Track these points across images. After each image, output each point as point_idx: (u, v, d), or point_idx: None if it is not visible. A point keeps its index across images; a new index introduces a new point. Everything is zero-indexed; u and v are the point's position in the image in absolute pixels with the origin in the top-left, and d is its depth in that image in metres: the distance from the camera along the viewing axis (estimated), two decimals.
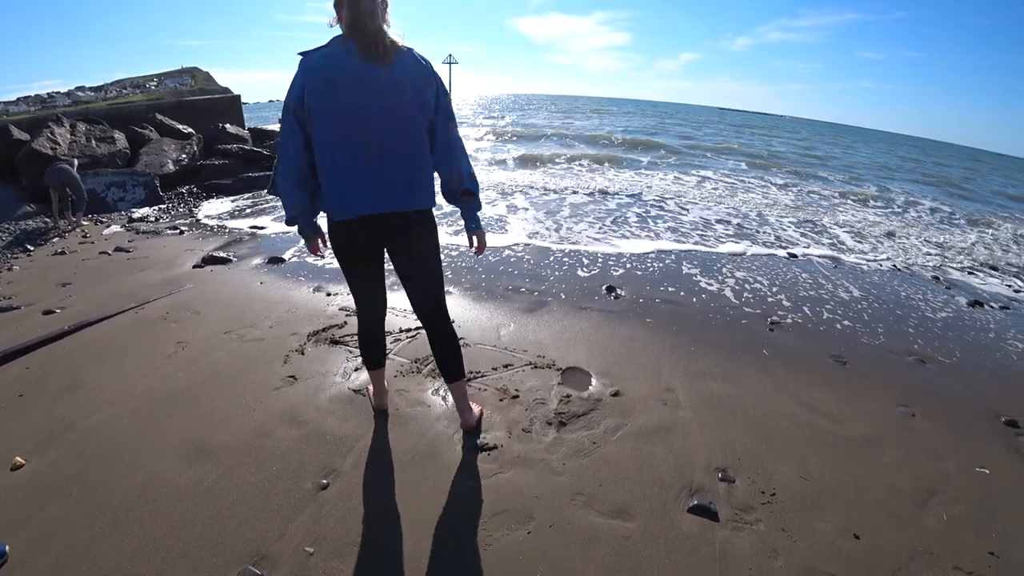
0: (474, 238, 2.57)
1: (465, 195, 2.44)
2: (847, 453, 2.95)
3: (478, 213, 2.52)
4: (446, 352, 2.66)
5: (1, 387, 3.23)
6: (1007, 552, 2.31)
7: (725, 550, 2.22)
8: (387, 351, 2.84)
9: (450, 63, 43.26)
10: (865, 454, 2.96)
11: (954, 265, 8.03)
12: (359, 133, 2.08)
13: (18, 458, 2.57)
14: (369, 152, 2.10)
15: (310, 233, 2.47)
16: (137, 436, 2.79)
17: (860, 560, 2.22)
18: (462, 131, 2.89)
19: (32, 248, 6.54)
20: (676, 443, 2.90)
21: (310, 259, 6.22)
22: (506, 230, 8.03)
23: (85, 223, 7.87)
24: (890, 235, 9.71)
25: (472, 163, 2.45)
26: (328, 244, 2.46)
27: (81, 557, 2.04)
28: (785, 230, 9.24)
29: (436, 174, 2.35)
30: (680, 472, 2.67)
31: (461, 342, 3.37)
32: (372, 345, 2.77)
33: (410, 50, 2.13)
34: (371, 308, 2.68)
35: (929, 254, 8.59)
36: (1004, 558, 2.28)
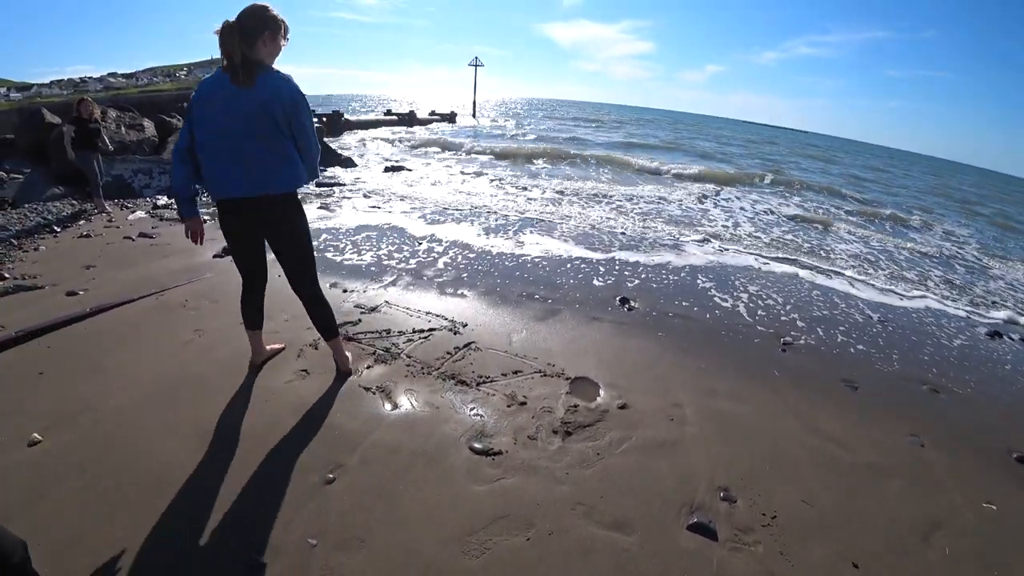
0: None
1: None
2: (852, 480, 2.94)
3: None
4: (318, 315, 3.19)
5: (22, 364, 3.32)
6: None
7: (722, 570, 2.23)
8: (264, 317, 3.31)
9: (476, 65, 43.46)
10: (870, 482, 2.95)
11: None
12: (226, 137, 2.62)
13: (35, 434, 2.64)
14: (233, 151, 2.63)
15: (185, 213, 2.87)
16: (151, 420, 2.86)
17: None
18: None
19: (59, 229, 6.66)
20: (680, 459, 2.92)
21: (328, 254, 6.31)
22: None
23: (109, 207, 7.95)
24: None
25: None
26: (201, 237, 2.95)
27: (92, 535, 2.11)
28: None
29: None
30: (682, 489, 2.68)
31: (472, 346, 3.90)
32: (247, 307, 3.20)
33: (276, 74, 2.62)
34: (247, 276, 3.11)
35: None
36: None
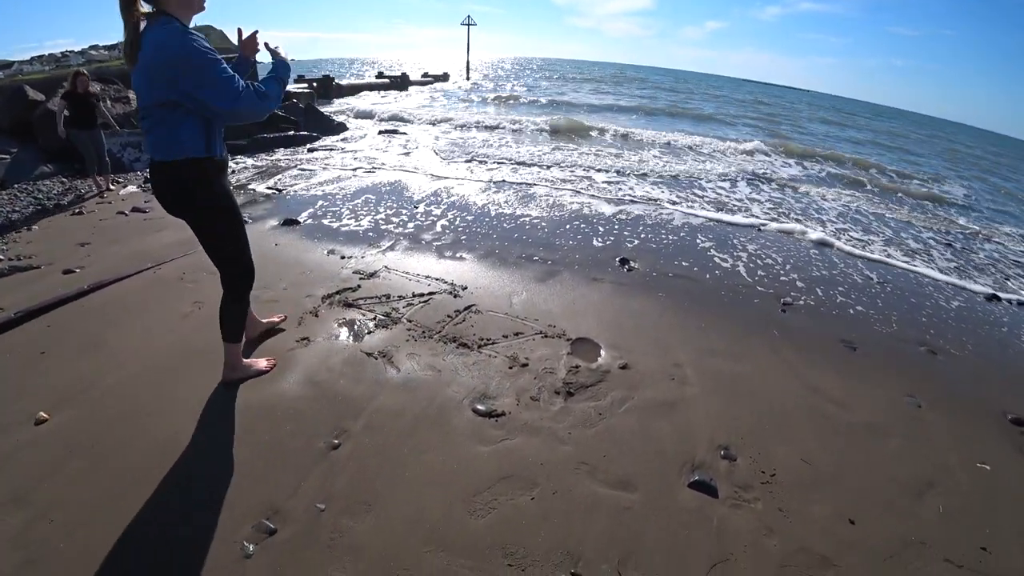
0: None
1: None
2: (850, 439, 2.99)
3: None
4: (224, 313, 2.80)
5: (24, 344, 3.30)
6: (998, 548, 2.35)
7: (722, 526, 2.28)
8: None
9: (468, 24, 42.51)
10: (868, 441, 2.99)
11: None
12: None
13: (41, 413, 2.65)
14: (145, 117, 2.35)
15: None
16: (155, 394, 2.86)
17: (853, 544, 2.27)
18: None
19: (50, 208, 6.56)
20: (681, 419, 2.95)
21: (325, 221, 6.26)
22: None
23: (100, 180, 7.68)
24: None
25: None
26: None
27: (101, 510, 2.14)
28: None
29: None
30: (683, 447, 2.72)
31: (473, 308, 3.92)
32: None
33: (162, 31, 2.20)
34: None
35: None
36: (995, 554, 2.32)
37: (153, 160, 2.42)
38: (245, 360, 3.03)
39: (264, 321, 3.47)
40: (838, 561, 2.17)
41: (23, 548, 1.96)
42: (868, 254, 6.84)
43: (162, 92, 2.24)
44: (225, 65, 2.29)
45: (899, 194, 11.96)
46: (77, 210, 6.47)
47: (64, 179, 8.03)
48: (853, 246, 7.12)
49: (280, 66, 2.60)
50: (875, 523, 2.40)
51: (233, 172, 9.02)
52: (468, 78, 44.22)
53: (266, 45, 2.74)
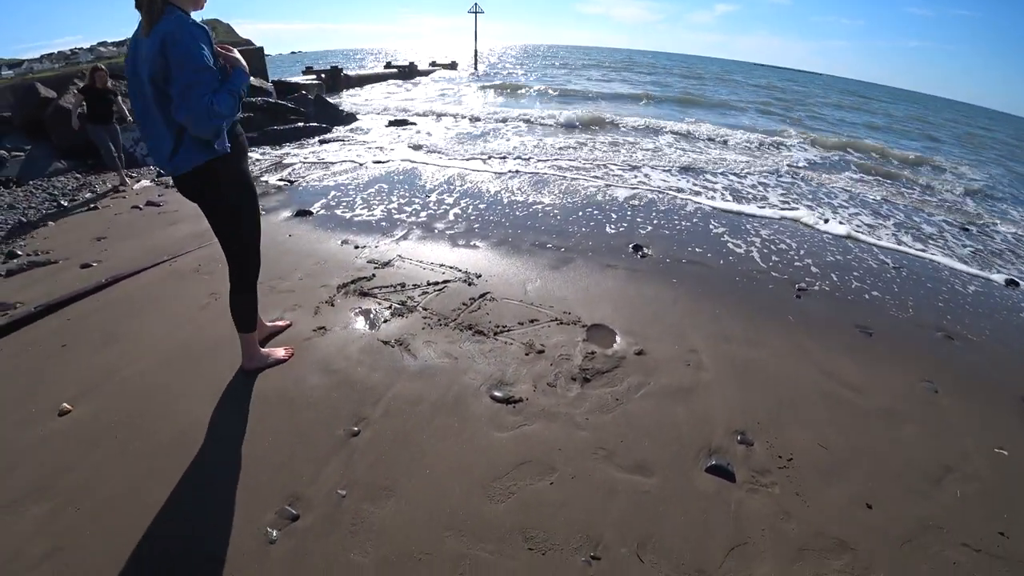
0: None
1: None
2: (866, 424, 2.98)
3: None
4: (235, 302, 2.81)
5: (45, 337, 3.36)
6: (1016, 533, 2.35)
7: (740, 510, 2.29)
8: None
9: (476, 12, 42.08)
10: (884, 426, 2.99)
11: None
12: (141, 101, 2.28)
13: (64, 404, 2.71)
14: (152, 122, 2.28)
15: None
16: (175, 384, 2.91)
17: (871, 528, 2.28)
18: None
19: (66, 204, 6.63)
20: (697, 404, 2.96)
21: (338, 211, 6.29)
22: None
23: (112, 177, 7.74)
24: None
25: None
26: None
27: (125, 498, 2.19)
28: None
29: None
30: (700, 433, 2.73)
31: (488, 296, 3.94)
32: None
33: (167, 20, 2.12)
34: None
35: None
36: (1013, 539, 2.32)
37: (175, 176, 2.40)
38: (263, 350, 3.07)
39: (269, 325, 3.39)
40: (855, 545, 2.18)
41: (50, 536, 2.01)
42: (881, 241, 6.78)
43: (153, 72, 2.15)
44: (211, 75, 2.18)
45: (918, 181, 11.70)
46: (92, 205, 6.53)
47: (78, 175, 8.09)
48: (867, 233, 7.06)
49: (235, 75, 2.34)
50: (892, 507, 2.41)
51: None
52: (476, 67, 43.83)
53: (220, 47, 2.37)
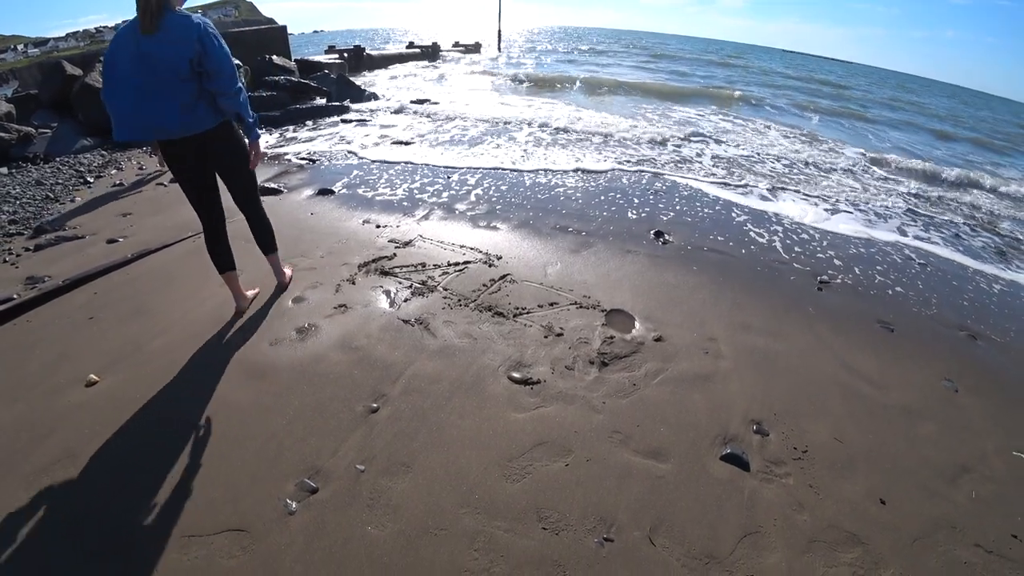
0: (251, 149, 3.11)
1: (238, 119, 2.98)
2: (884, 420, 2.97)
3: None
4: (259, 232, 3.45)
5: (72, 310, 3.45)
6: None
7: (753, 499, 2.31)
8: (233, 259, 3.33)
9: None
10: (902, 423, 2.98)
11: None
12: (152, 80, 2.60)
13: (92, 375, 2.79)
14: (161, 94, 2.63)
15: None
16: (198, 358, 2.98)
17: (883, 524, 2.29)
18: None
19: (92, 180, 6.71)
20: (714, 392, 2.97)
21: (360, 191, 6.32)
22: None
23: (138, 154, 7.75)
24: None
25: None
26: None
27: (149, 468, 2.26)
28: None
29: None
30: (716, 421, 2.75)
31: (508, 278, 3.97)
32: (213, 248, 3.22)
33: (181, 16, 2.59)
34: (205, 217, 3.13)
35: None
36: None
37: (186, 136, 2.76)
38: (286, 270, 3.78)
39: (250, 294, 3.57)
40: (867, 540, 2.20)
41: (79, 502, 2.10)
42: (906, 238, 6.67)
43: (188, 59, 2.59)
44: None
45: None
46: (118, 182, 6.61)
47: (104, 152, 8.17)
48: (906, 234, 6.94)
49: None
50: (906, 504, 2.41)
51: (268, 144, 9.09)
52: (500, 48, 43.11)
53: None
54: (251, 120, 2.94)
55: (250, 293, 3.57)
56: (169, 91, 2.61)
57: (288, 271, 3.84)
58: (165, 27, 2.54)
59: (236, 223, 3.52)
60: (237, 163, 3.06)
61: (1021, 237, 7.33)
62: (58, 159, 7.63)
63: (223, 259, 3.24)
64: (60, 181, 6.58)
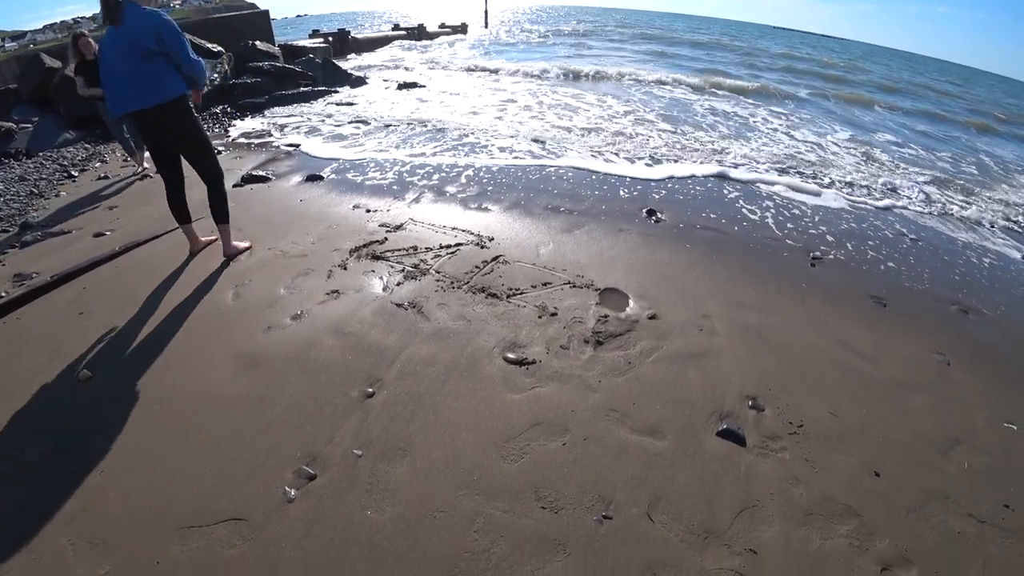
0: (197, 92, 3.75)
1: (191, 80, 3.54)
2: (877, 394, 2.99)
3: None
4: (214, 203, 3.85)
5: (62, 306, 3.41)
6: (1022, 506, 2.37)
7: (750, 474, 2.33)
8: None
9: None
10: (895, 396, 3.00)
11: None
12: (122, 63, 3.24)
13: (84, 371, 2.76)
14: (120, 75, 3.27)
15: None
16: (190, 349, 2.96)
17: (878, 496, 2.31)
18: None
19: (76, 174, 6.61)
20: (709, 369, 2.98)
21: (349, 175, 6.26)
22: None
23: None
24: None
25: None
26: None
27: (148, 461, 2.24)
28: None
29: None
30: (711, 397, 2.76)
31: (500, 259, 3.97)
32: (173, 205, 3.85)
33: (140, 9, 3.16)
34: (167, 177, 3.75)
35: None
36: (1018, 512, 2.34)
37: (144, 108, 3.32)
38: (235, 243, 4.05)
39: (203, 240, 4.15)
40: (862, 511, 2.22)
41: (76, 498, 2.08)
42: (901, 210, 6.68)
43: (151, 44, 3.17)
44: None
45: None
46: (102, 175, 6.51)
47: (87, 145, 8.06)
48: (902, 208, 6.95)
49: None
50: (900, 476, 2.43)
51: (253, 129, 8.98)
52: (487, 27, 42.74)
53: None
54: (201, 81, 3.61)
55: (204, 239, 4.14)
56: (136, 71, 3.22)
57: (242, 245, 4.13)
58: (127, 19, 3.13)
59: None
60: (187, 141, 3.60)
61: None
62: (41, 154, 7.53)
63: (181, 213, 3.87)
64: (44, 176, 6.49)
